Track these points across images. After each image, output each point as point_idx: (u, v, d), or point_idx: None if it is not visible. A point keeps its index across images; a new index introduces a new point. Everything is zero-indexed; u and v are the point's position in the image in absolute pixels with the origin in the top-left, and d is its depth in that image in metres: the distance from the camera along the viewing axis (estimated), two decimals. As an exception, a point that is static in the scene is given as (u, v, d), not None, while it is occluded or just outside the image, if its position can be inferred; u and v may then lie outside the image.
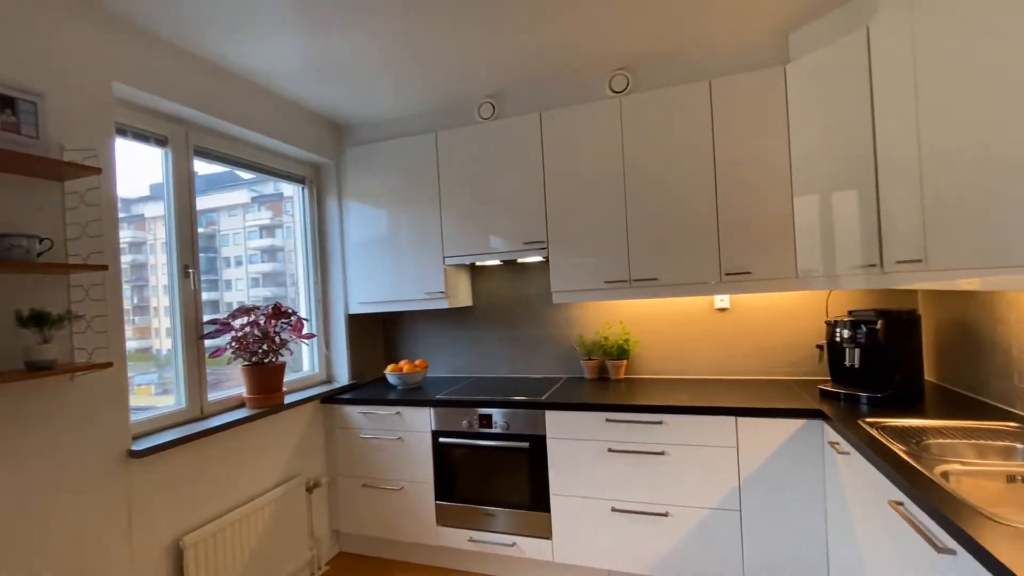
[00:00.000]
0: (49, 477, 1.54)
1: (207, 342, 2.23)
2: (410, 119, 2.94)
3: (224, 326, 2.26)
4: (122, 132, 1.94)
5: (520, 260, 2.75)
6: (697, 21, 2.10)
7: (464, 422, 2.42)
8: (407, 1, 1.82)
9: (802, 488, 1.93)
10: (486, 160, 2.63)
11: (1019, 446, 1.42)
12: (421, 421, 2.51)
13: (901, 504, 1.24)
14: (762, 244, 2.20)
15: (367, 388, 2.88)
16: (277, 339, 2.39)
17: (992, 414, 1.66)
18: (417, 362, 2.88)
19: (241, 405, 2.36)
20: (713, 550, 2.03)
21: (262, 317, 2.36)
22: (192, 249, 2.20)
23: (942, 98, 1.44)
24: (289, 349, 2.49)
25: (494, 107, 2.71)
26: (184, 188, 2.18)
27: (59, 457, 1.57)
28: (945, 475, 1.26)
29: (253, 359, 2.33)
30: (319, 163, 2.97)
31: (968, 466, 1.30)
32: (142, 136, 2.05)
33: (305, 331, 2.57)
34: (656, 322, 2.70)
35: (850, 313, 2.12)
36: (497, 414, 2.37)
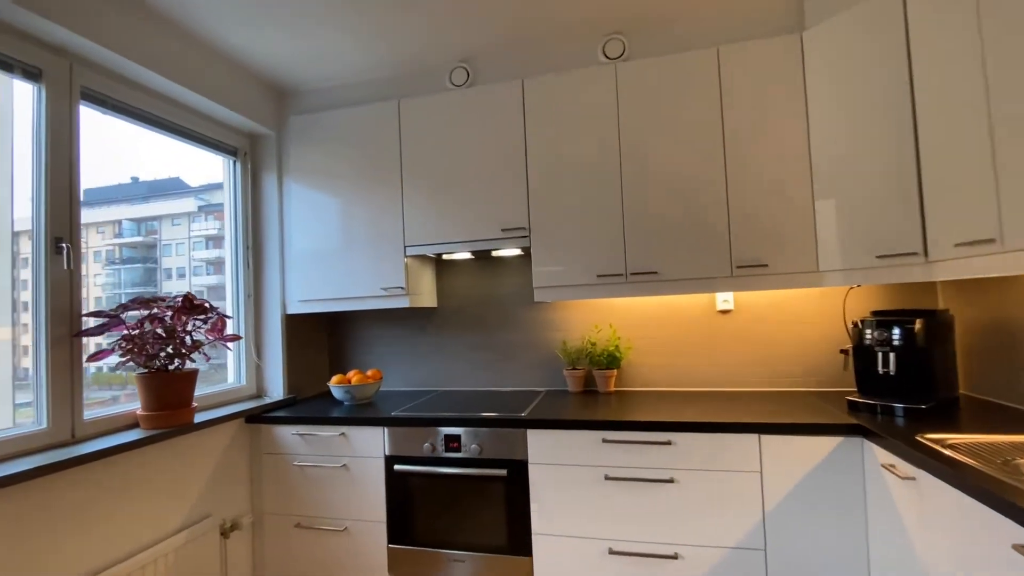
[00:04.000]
0: None
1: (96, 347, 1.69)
2: (367, 85, 2.52)
3: (112, 320, 1.73)
4: (-31, 52, 1.43)
5: (495, 253, 2.36)
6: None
7: (426, 444, 1.97)
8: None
9: (841, 521, 1.60)
10: (458, 134, 2.24)
11: None
12: (373, 444, 2.03)
13: (1036, 551, 0.91)
14: (780, 233, 1.91)
15: (307, 404, 2.37)
16: (188, 339, 1.88)
17: (1064, 428, 1.40)
18: (369, 372, 2.41)
19: (134, 425, 1.82)
20: (732, 599, 1.66)
21: (167, 311, 1.84)
22: (70, 217, 1.67)
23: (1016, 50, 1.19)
24: (205, 355, 1.98)
25: (468, 72, 2.34)
26: (63, 138, 1.67)
27: None
28: (1079, 509, 0.94)
29: (153, 365, 1.81)
30: (256, 132, 2.49)
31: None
32: (4, 64, 1.54)
33: (229, 331, 2.07)
34: (649, 326, 2.36)
35: (875, 314, 1.86)
36: (467, 434, 1.94)
